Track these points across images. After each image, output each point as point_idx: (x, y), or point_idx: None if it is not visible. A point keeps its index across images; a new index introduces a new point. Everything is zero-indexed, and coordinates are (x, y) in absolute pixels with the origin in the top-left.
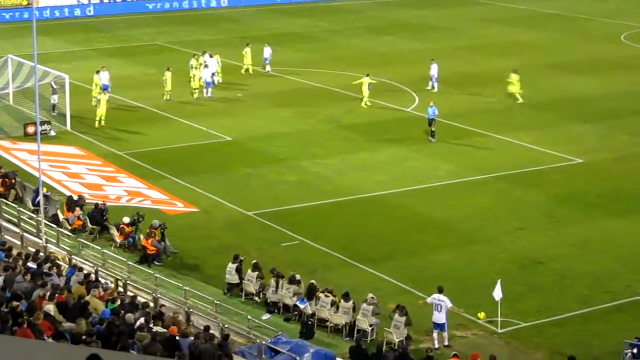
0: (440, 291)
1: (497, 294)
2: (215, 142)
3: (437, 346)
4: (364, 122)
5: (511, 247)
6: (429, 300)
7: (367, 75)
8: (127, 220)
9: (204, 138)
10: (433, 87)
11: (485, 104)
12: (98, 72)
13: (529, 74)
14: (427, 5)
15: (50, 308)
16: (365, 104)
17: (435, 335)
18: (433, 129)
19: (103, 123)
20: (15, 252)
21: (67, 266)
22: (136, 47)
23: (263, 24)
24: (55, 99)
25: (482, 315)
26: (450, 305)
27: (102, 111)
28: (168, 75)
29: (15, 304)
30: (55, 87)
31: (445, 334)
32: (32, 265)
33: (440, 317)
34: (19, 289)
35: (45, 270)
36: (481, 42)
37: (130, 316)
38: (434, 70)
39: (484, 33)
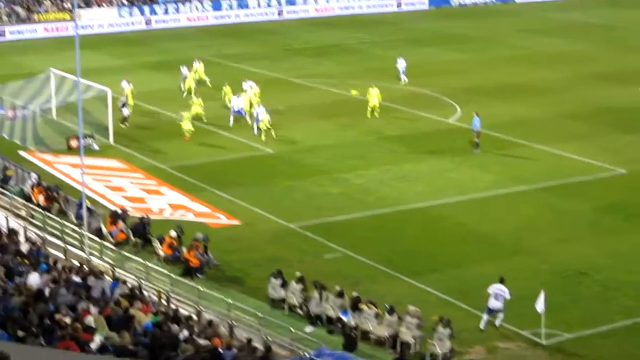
0: (502, 281)
1: (540, 305)
2: (257, 155)
3: (482, 327)
4: (405, 134)
5: (554, 258)
6: (489, 289)
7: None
8: (173, 233)
9: (245, 150)
10: (403, 80)
11: (525, 114)
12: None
13: (570, 84)
14: (465, 16)
15: (93, 320)
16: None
17: (485, 317)
18: (477, 140)
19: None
20: (59, 265)
21: (110, 279)
22: (178, 60)
23: (302, 36)
24: (125, 112)
25: (354, 91)
26: (508, 296)
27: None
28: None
29: (58, 316)
30: (124, 100)
31: (501, 315)
32: (75, 278)
33: (496, 304)
34: (62, 302)
35: (89, 283)
36: (520, 52)
37: (174, 327)
38: (401, 64)
39: (523, 43)
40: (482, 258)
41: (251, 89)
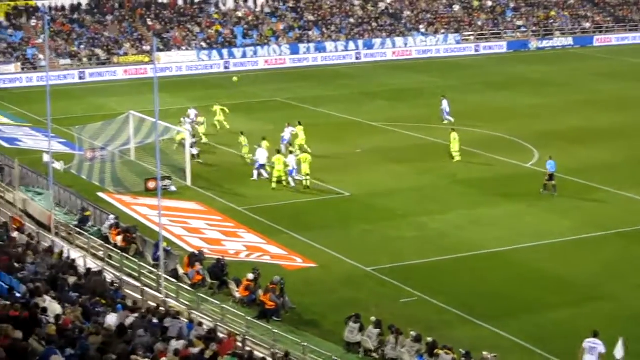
0: (595, 335)
1: (619, 352)
2: (334, 198)
3: None
4: (482, 177)
5: (633, 305)
6: (583, 344)
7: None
8: (250, 276)
9: (322, 193)
10: (447, 120)
11: (603, 158)
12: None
13: None
14: (543, 60)
15: None
16: (454, 157)
17: None
18: (553, 183)
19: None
20: (140, 305)
21: (187, 320)
22: (256, 103)
23: (379, 79)
24: (194, 151)
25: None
26: (603, 350)
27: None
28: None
29: (134, 357)
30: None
31: None
32: (153, 319)
33: (591, 359)
34: (140, 343)
35: (165, 324)
36: (598, 96)
37: None
38: (445, 105)
39: (601, 87)
40: (559, 303)
41: (291, 134)
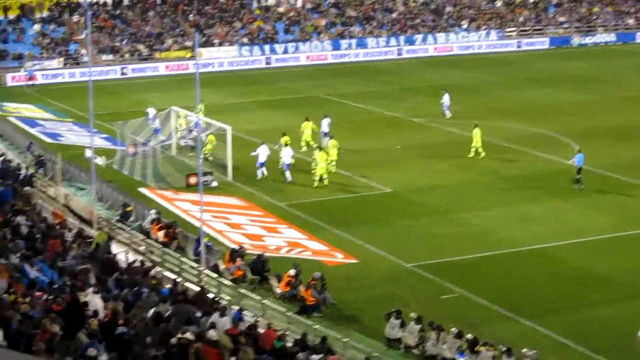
0: None
1: None
2: (375, 194)
3: None
4: (523, 174)
5: None
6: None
7: (476, 126)
8: (292, 271)
9: (363, 189)
10: (447, 115)
11: None
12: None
13: None
14: (585, 56)
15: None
16: (476, 152)
17: None
18: (579, 177)
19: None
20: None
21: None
22: (297, 99)
23: (421, 75)
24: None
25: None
26: None
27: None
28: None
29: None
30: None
31: None
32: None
33: None
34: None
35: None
36: None
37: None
38: (446, 99)
39: None
40: (599, 301)
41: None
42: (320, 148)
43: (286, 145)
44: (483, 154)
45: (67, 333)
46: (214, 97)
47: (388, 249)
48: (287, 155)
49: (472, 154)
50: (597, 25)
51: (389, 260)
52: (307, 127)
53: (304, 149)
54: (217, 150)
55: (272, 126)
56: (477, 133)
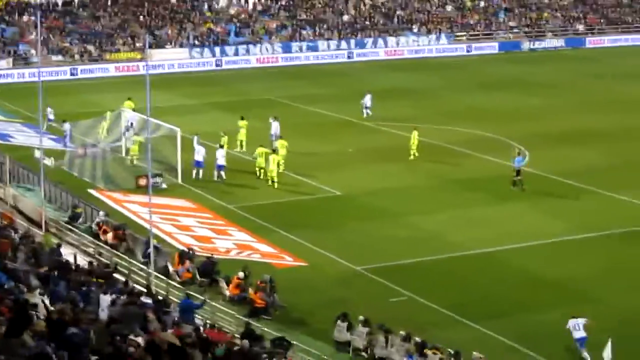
0: (573, 317)
1: (607, 354)
2: (324, 197)
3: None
4: (472, 177)
5: (623, 306)
6: (568, 325)
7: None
8: (241, 274)
9: (313, 192)
10: (366, 114)
11: (596, 160)
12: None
13: None
14: (535, 61)
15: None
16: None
17: (583, 352)
18: (520, 178)
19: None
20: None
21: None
22: (248, 101)
23: (371, 79)
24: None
25: None
26: (587, 322)
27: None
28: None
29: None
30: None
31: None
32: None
33: (580, 334)
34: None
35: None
36: (591, 98)
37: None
38: (367, 99)
39: (594, 88)
40: (549, 305)
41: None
42: (273, 151)
43: (221, 146)
44: (416, 156)
45: (12, 333)
46: (164, 99)
47: (337, 252)
48: (220, 156)
49: (412, 157)
50: (546, 30)
51: (338, 263)
52: (243, 127)
53: (238, 148)
54: (168, 153)
55: (222, 128)
56: (414, 135)
